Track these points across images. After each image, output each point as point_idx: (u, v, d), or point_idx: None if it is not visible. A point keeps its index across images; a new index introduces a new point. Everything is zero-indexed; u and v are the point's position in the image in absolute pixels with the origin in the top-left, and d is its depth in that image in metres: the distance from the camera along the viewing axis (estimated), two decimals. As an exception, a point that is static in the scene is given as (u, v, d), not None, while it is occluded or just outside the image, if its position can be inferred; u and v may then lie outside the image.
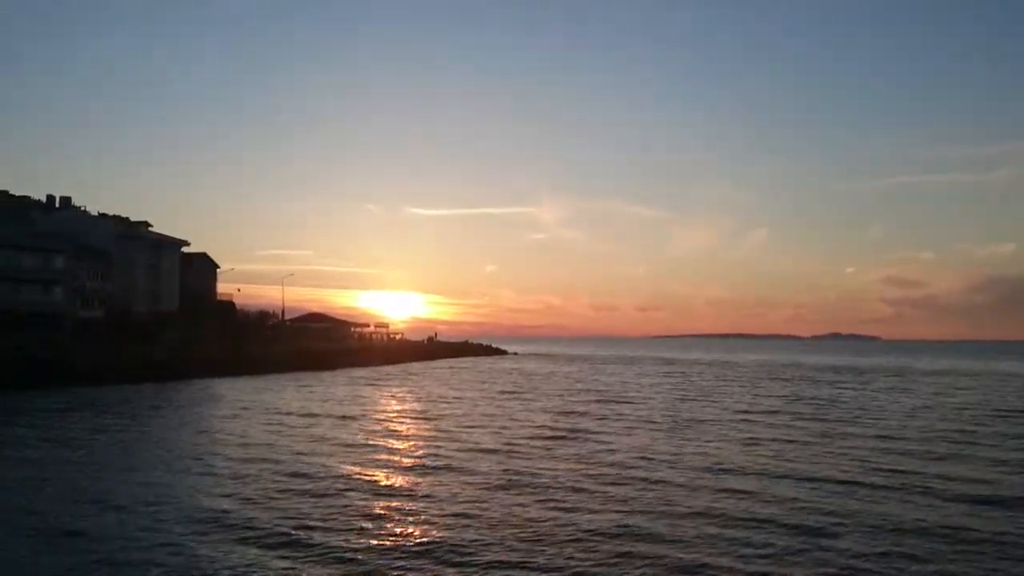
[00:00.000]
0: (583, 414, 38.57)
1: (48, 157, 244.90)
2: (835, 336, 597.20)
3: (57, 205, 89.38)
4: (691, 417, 37.40)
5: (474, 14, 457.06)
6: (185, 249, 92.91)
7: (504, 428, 32.49)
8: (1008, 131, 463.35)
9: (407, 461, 24.06)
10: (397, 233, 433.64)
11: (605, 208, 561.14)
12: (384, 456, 24.95)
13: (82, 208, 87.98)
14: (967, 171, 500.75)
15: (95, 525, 15.40)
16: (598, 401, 46.39)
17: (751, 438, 29.77)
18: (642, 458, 24.49)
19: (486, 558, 13.46)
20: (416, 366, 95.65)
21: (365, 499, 18.22)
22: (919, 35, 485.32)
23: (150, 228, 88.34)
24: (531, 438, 29.16)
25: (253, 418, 35.17)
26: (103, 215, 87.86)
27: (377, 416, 37.54)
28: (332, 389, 53.88)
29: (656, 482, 20.48)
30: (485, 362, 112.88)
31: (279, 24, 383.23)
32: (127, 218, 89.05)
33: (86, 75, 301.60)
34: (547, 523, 15.85)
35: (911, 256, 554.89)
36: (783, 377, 76.26)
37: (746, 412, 40.03)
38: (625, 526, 15.62)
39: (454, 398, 48.36)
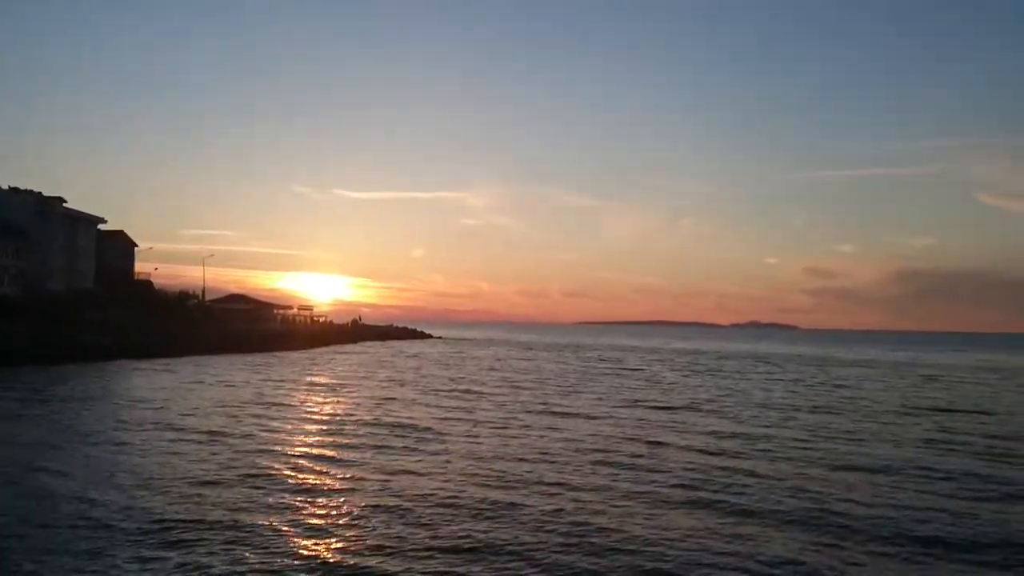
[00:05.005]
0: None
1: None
2: (755, 325, 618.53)
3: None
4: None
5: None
6: (102, 226, 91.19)
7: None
8: (927, 128, 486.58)
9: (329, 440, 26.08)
10: (324, 215, 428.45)
11: (537, 195, 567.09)
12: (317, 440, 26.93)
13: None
14: (888, 166, 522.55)
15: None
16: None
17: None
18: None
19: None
20: (339, 348, 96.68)
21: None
22: (844, 32, 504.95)
23: (64, 204, 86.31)
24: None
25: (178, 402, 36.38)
26: (15, 189, 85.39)
27: (300, 399, 39.19)
28: (254, 374, 54.82)
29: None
30: (404, 346, 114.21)
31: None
32: (40, 193, 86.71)
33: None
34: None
35: (831, 248, 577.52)
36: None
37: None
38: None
39: (363, 380, 50.23)
